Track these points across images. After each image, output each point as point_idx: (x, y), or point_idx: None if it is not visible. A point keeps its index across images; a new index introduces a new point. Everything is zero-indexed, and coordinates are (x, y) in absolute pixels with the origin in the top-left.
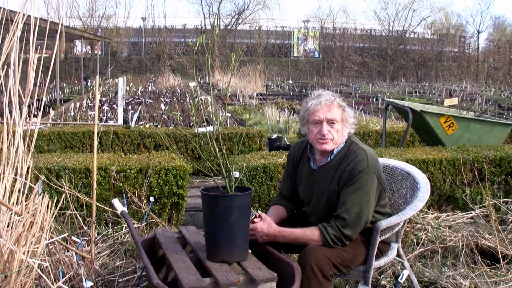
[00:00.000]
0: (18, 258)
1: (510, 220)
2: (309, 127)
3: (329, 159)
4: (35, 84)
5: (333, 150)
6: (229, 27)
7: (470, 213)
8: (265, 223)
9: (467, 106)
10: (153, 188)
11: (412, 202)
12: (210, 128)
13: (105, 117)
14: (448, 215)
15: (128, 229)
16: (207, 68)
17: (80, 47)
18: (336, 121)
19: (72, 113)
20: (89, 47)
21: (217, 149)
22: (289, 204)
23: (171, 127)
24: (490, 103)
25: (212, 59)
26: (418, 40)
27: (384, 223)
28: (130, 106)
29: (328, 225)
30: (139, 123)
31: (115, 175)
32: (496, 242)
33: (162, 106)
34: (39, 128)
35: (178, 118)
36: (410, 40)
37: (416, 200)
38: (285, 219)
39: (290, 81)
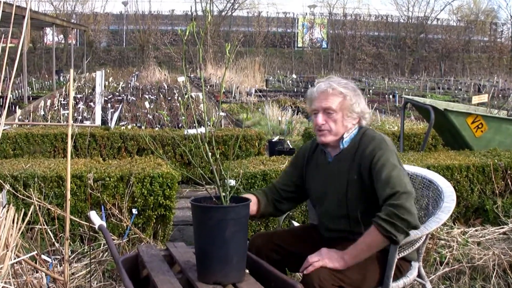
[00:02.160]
0: None
1: None
2: (313, 117)
3: (341, 146)
4: None
5: (343, 137)
6: (223, 13)
7: (503, 228)
8: (321, 254)
9: (499, 104)
10: (136, 199)
11: (435, 213)
12: (202, 130)
13: (80, 117)
14: (476, 230)
15: (107, 246)
16: (199, 61)
17: (51, 36)
18: (333, 110)
19: (42, 112)
20: (62, 36)
21: (209, 153)
22: (265, 198)
23: (156, 129)
24: None
25: (204, 50)
26: (441, 28)
27: None
28: (109, 104)
29: (380, 213)
30: (120, 124)
31: (92, 184)
32: None
33: (147, 104)
34: (3, 130)
35: (165, 118)
36: (433, 28)
37: (440, 211)
38: (253, 214)
39: (294, 75)
